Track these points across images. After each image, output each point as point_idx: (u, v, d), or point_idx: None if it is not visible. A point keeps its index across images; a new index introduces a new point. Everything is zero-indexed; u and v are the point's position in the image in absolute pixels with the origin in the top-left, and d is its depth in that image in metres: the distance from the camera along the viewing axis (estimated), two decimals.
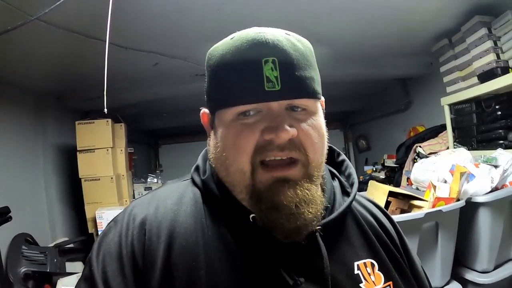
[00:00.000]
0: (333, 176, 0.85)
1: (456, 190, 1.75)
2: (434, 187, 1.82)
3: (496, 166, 1.87)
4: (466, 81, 2.62)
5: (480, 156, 2.00)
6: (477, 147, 2.50)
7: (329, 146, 0.81)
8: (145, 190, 3.84)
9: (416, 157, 3.05)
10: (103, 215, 2.98)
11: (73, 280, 2.24)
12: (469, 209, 1.74)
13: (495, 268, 1.76)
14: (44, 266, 2.62)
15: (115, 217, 0.76)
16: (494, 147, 2.23)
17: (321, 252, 0.69)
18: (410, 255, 0.83)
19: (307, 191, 0.67)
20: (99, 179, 3.26)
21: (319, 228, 0.69)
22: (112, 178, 3.28)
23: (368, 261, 0.74)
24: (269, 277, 0.66)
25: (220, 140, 0.71)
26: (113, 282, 0.64)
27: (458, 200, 1.75)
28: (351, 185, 0.83)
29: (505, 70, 2.26)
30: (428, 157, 2.64)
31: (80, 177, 3.27)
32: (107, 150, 3.29)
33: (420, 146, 3.10)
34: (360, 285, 0.70)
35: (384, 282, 0.73)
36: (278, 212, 0.65)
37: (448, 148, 2.78)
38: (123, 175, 3.49)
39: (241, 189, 0.69)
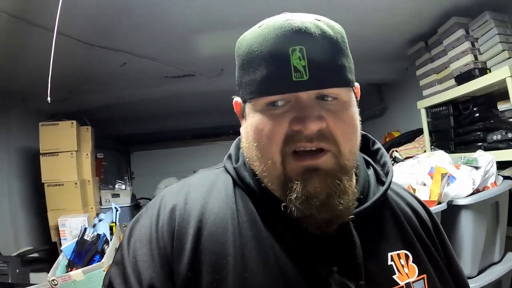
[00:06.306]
0: (368, 164, 0.84)
1: (437, 192, 1.69)
2: (414, 190, 1.76)
3: (477, 168, 1.82)
4: (442, 84, 2.60)
5: (460, 158, 1.95)
6: (455, 150, 2.46)
7: (363, 134, 0.82)
8: (112, 197, 3.66)
9: (393, 161, 3.01)
10: (66, 222, 2.78)
11: None
12: (451, 212, 1.69)
13: (479, 273, 1.71)
14: (5, 276, 2.45)
15: (147, 204, 0.79)
16: (472, 149, 2.20)
17: (354, 242, 0.68)
18: (448, 250, 0.81)
19: (338, 182, 0.66)
20: (62, 184, 3.06)
21: (352, 218, 0.68)
22: (76, 183, 3.09)
23: (402, 252, 0.73)
24: (301, 266, 0.66)
25: (251, 130, 0.71)
26: (142, 266, 0.66)
27: (439, 203, 1.69)
28: (386, 174, 0.81)
29: (483, 71, 2.23)
30: (404, 161, 2.60)
31: (43, 181, 3.07)
32: (72, 153, 3.09)
33: (396, 151, 3.06)
34: (393, 276, 0.69)
35: (418, 275, 0.71)
36: (309, 202, 0.65)
37: (425, 152, 2.74)
38: (88, 181, 3.30)
39: (272, 179, 0.69)
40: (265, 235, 0.68)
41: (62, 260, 2.03)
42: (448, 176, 1.78)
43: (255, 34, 0.69)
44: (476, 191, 1.75)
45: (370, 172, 0.81)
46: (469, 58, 2.26)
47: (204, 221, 0.69)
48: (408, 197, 0.86)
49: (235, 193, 0.74)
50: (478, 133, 2.27)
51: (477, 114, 2.32)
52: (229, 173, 0.79)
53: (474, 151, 2.02)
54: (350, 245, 0.67)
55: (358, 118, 0.71)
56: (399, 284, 0.68)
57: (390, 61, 3.42)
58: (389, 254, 0.71)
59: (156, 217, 0.71)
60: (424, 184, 1.83)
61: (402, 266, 0.70)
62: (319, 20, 0.68)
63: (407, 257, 0.72)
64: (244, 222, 0.69)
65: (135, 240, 0.70)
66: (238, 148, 0.82)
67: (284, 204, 0.67)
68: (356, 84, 0.74)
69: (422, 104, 2.76)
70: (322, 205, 0.64)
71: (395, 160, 2.98)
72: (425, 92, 2.80)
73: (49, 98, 1.57)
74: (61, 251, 2.28)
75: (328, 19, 0.71)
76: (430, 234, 0.80)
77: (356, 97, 0.74)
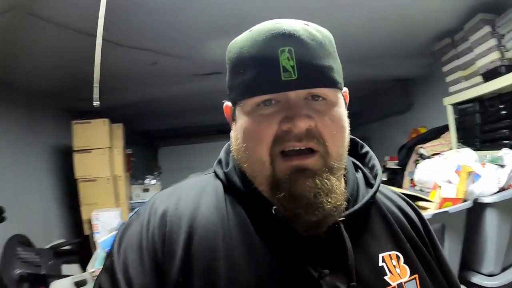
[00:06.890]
0: (356, 168, 0.85)
1: (463, 190, 1.71)
2: (440, 187, 1.77)
3: (502, 166, 1.82)
4: (469, 81, 2.58)
5: (486, 156, 1.95)
6: (481, 148, 2.44)
7: (352, 138, 0.82)
8: (143, 191, 3.79)
9: (419, 158, 3.01)
10: (99, 216, 2.92)
11: (65, 283, 2.18)
12: (476, 210, 1.70)
13: (502, 271, 1.72)
14: (38, 268, 2.57)
15: (137, 210, 0.78)
16: (498, 147, 2.17)
17: (345, 244, 0.68)
18: (438, 250, 0.81)
19: (326, 181, 0.66)
20: (95, 180, 3.21)
21: (342, 220, 0.68)
22: (108, 179, 3.23)
23: (393, 253, 0.73)
24: (292, 269, 0.65)
25: (240, 131, 0.71)
26: (133, 272, 0.65)
27: (464, 201, 1.70)
28: (375, 176, 0.81)
29: (509, 69, 2.22)
30: (430, 158, 2.60)
31: (76, 177, 3.22)
32: (104, 150, 3.25)
33: (422, 147, 3.05)
34: (385, 277, 0.69)
35: (410, 275, 0.71)
36: (296, 201, 0.65)
37: (451, 149, 2.73)
38: (120, 176, 3.44)
39: (261, 180, 0.70)
40: (256, 238, 0.68)
41: (100, 253, 2.13)
42: (474, 174, 1.79)
43: (246, 37, 0.70)
44: (501, 190, 1.75)
45: (359, 175, 0.82)
46: (495, 55, 2.25)
47: (195, 226, 0.69)
48: (397, 200, 0.86)
49: (226, 198, 0.74)
50: (504, 130, 2.26)
51: (504, 112, 2.30)
52: (219, 178, 0.79)
53: (500, 149, 2.01)
54: (341, 247, 0.68)
55: (346, 120, 0.72)
56: (391, 285, 0.68)
57: (415, 57, 3.40)
58: (380, 255, 0.71)
59: (147, 222, 0.71)
60: (450, 182, 1.85)
61: (394, 266, 0.71)
62: (307, 25, 0.69)
63: (398, 257, 0.72)
64: (234, 225, 0.69)
65: (125, 246, 0.69)
66: (227, 153, 0.83)
67: (274, 207, 0.67)
68: (345, 89, 0.75)
69: (449, 101, 2.75)
70: (309, 204, 0.65)
71: (421, 157, 2.97)
72: (451, 89, 2.78)
73: (96, 103, 1.63)
74: (96, 243, 2.39)
75: (316, 25, 0.72)
76: (421, 235, 0.80)
77: (345, 101, 0.75)
